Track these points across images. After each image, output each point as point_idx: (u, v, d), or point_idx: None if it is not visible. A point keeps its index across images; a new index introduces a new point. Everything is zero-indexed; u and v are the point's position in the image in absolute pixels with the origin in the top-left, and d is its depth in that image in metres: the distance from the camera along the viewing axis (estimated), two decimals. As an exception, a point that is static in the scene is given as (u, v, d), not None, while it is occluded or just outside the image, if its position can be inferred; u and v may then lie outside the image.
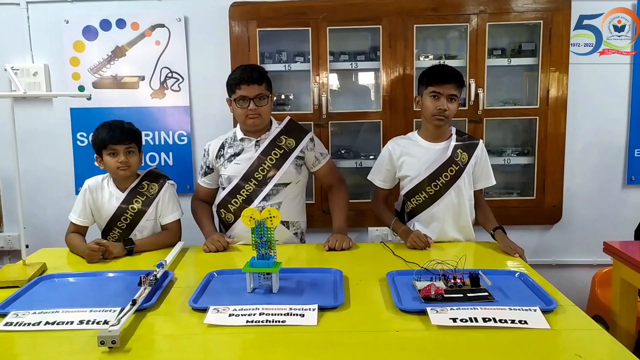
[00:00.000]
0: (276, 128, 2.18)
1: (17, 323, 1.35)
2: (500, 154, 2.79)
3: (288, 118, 2.24)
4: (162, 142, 2.82)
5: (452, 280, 1.51)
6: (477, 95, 2.65)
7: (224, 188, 2.19)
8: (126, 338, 1.27)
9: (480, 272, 1.55)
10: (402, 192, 2.18)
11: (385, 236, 2.68)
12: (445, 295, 1.44)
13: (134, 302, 1.37)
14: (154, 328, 1.35)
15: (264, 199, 2.13)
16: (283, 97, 2.80)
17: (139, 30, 2.73)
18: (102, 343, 1.19)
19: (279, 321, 1.33)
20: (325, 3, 2.64)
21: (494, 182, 2.18)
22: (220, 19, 2.67)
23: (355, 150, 2.88)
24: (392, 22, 2.65)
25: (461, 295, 1.46)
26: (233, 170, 2.15)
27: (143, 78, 2.77)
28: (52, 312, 1.40)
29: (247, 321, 1.33)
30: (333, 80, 2.84)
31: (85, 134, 2.79)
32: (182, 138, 2.82)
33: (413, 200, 2.14)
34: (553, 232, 2.86)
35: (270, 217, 1.52)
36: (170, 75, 2.76)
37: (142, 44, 2.74)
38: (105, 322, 1.32)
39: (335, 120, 2.75)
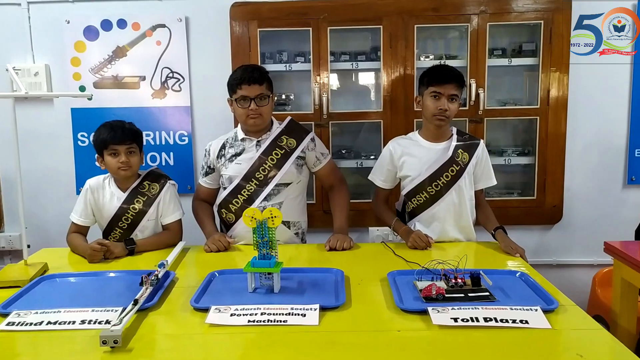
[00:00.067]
0: (277, 128, 2.18)
1: (19, 323, 1.35)
2: (500, 154, 2.79)
3: (289, 118, 2.24)
4: (163, 142, 2.82)
5: (453, 280, 1.52)
6: (477, 95, 2.66)
7: (225, 188, 2.19)
8: (128, 338, 1.27)
9: (481, 272, 1.55)
10: (403, 192, 2.19)
11: (385, 236, 2.68)
12: (446, 295, 1.44)
13: (135, 302, 1.38)
14: (155, 328, 1.36)
15: (265, 199, 2.13)
16: (284, 97, 2.80)
17: (139, 31, 2.73)
18: (104, 343, 1.20)
19: (280, 321, 1.33)
20: (326, 3, 2.64)
21: (494, 182, 2.19)
22: (221, 19, 2.68)
23: (355, 150, 2.89)
24: (393, 22, 2.65)
25: (462, 295, 1.46)
26: (234, 170, 2.15)
27: (144, 78, 2.77)
28: (54, 312, 1.40)
29: (249, 321, 1.33)
30: (334, 81, 2.85)
31: (86, 134, 2.79)
32: (183, 138, 2.82)
33: (414, 200, 2.15)
34: (553, 232, 2.86)
35: (272, 217, 1.52)
36: (171, 75, 2.76)
37: (143, 44, 2.75)
38: (107, 322, 1.32)
39: (335, 120, 2.75)
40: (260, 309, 1.39)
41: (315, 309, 1.38)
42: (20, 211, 1.85)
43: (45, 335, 1.31)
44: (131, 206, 2.09)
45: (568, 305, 1.42)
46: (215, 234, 2.13)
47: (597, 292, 2.48)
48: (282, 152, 2.15)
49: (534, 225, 2.84)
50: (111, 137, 2.04)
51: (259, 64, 2.63)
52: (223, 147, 2.21)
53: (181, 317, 1.41)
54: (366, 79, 2.94)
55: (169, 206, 2.14)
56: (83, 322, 1.35)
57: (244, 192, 2.14)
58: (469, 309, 1.35)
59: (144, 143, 2.22)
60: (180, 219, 2.18)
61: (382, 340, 1.26)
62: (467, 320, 1.29)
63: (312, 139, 2.21)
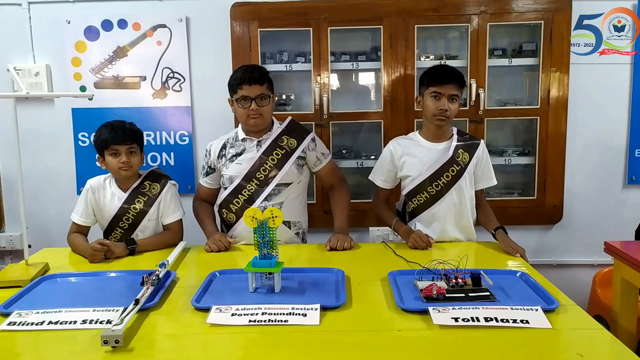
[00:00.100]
0: (278, 128, 2.19)
1: (20, 323, 1.35)
2: (501, 154, 2.79)
3: (290, 118, 2.24)
4: (164, 142, 2.82)
5: (454, 280, 1.52)
6: (478, 95, 2.66)
7: (225, 188, 2.20)
8: (129, 337, 1.27)
9: (481, 271, 1.55)
10: (404, 192, 2.19)
11: (386, 236, 2.69)
12: (446, 295, 1.45)
13: (136, 302, 1.38)
14: (156, 327, 1.36)
15: (266, 199, 2.13)
16: (284, 97, 2.80)
17: (140, 31, 2.74)
18: (105, 342, 1.20)
19: (281, 321, 1.33)
20: (326, 3, 2.65)
21: (495, 182, 2.19)
22: (222, 19, 2.68)
23: (356, 151, 2.89)
24: (393, 23, 2.65)
25: (463, 295, 1.46)
26: (235, 170, 2.16)
27: (144, 78, 2.77)
28: (55, 312, 1.41)
29: (250, 321, 1.33)
30: (334, 81, 2.85)
31: (86, 134, 2.79)
32: (184, 138, 2.82)
33: (414, 200, 2.15)
34: (554, 232, 2.87)
35: (273, 217, 1.53)
36: (171, 75, 2.77)
37: (143, 44, 2.75)
38: (108, 322, 1.32)
39: (336, 120, 2.75)
40: (261, 308, 1.39)
41: (316, 309, 1.38)
42: (21, 211, 1.85)
43: (46, 335, 1.31)
44: (132, 206, 2.09)
45: (568, 305, 1.42)
46: (216, 234, 2.13)
47: (597, 292, 2.48)
48: (282, 152, 2.15)
49: (534, 225, 2.85)
50: (112, 137, 2.04)
51: (260, 64, 2.63)
52: (224, 147, 2.22)
53: (182, 317, 1.42)
54: (366, 79, 2.95)
55: (169, 206, 2.14)
56: (84, 322, 1.35)
57: (245, 192, 2.15)
58: (469, 308, 1.35)
59: (145, 143, 2.23)
60: (181, 219, 2.18)
61: (383, 340, 1.26)
62: (468, 320, 1.30)
63: (313, 139, 2.22)
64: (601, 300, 2.41)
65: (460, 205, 2.12)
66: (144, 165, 2.18)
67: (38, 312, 1.41)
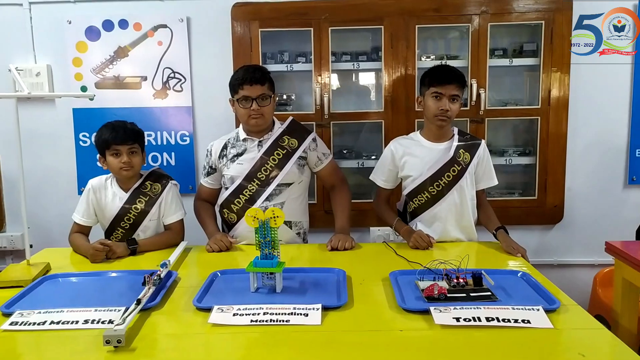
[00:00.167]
0: (279, 128, 2.19)
1: (22, 322, 1.36)
2: (501, 154, 2.80)
3: (291, 118, 2.24)
4: (165, 143, 2.82)
5: (455, 280, 1.52)
6: (478, 95, 2.66)
7: (226, 188, 2.20)
8: (131, 337, 1.27)
9: (483, 271, 1.55)
10: (405, 192, 2.19)
11: (387, 236, 2.69)
12: (448, 295, 1.45)
13: (138, 302, 1.38)
14: (158, 327, 1.36)
15: (267, 199, 2.13)
16: (285, 97, 2.80)
17: (141, 31, 2.74)
18: (107, 342, 1.20)
19: (283, 320, 1.33)
20: (327, 4, 2.65)
21: (496, 182, 2.19)
22: (223, 19, 2.68)
23: (357, 151, 2.89)
24: (394, 23, 2.65)
25: (464, 294, 1.47)
26: (236, 171, 2.16)
27: (145, 78, 2.77)
28: (57, 312, 1.41)
29: (252, 320, 1.34)
30: (335, 81, 2.85)
31: (87, 134, 2.80)
32: (185, 138, 2.82)
33: (415, 200, 2.15)
34: (554, 232, 2.87)
35: (274, 217, 1.53)
36: (172, 75, 2.77)
37: (144, 44, 2.75)
38: (110, 322, 1.32)
39: (337, 120, 2.75)
40: (262, 308, 1.39)
41: (317, 309, 1.38)
42: (22, 211, 1.85)
43: (48, 335, 1.31)
44: (133, 206, 2.10)
45: (570, 305, 1.42)
46: (217, 234, 2.14)
47: (598, 292, 2.48)
48: (283, 152, 2.15)
49: (535, 225, 2.85)
50: (113, 138, 2.04)
51: (261, 64, 2.63)
52: (225, 147, 2.22)
53: (184, 317, 1.42)
54: (367, 79, 2.95)
55: (170, 206, 2.15)
56: (86, 321, 1.35)
57: (246, 192, 2.15)
58: (471, 308, 1.36)
59: (146, 143, 2.23)
60: (182, 219, 2.18)
61: (385, 339, 1.26)
62: (470, 320, 1.30)
63: (314, 139, 2.22)
64: (602, 300, 2.41)
65: (461, 205, 2.12)
66: (145, 165, 2.18)
67: (40, 312, 1.41)
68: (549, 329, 1.27)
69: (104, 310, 1.40)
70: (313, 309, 1.39)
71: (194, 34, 2.75)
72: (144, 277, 1.54)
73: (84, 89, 2.76)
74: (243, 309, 1.39)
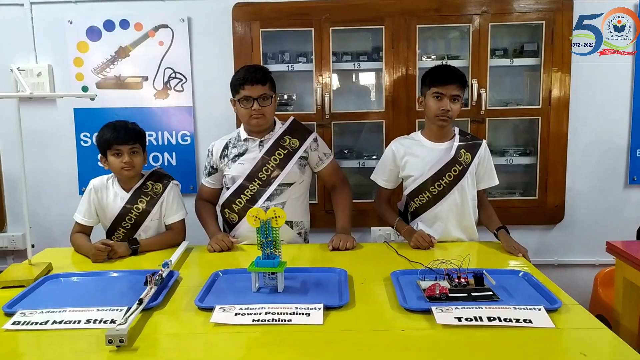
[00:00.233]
0: (280, 128, 2.19)
1: (25, 322, 1.36)
2: (502, 154, 2.80)
3: (292, 118, 2.25)
4: (166, 143, 2.82)
5: (457, 280, 1.52)
6: (479, 95, 2.66)
7: (228, 188, 2.20)
8: (133, 337, 1.27)
9: (484, 271, 1.56)
10: (406, 192, 2.19)
11: (388, 236, 2.69)
12: (449, 295, 1.45)
13: (140, 301, 1.38)
14: (160, 327, 1.36)
15: (268, 199, 2.13)
16: (286, 97, 2.81)
17: (142, 31, 2.74)
18: (110, 342, 1.20)
19: (285, 320, 1.34)
20: (328, 4, 2.65)
21: (497, 182, 2.19)
22: (224, 19, 2.68)
23: (357, 151, 2.89)
24: (395, 23, 2.65)
25: (466, 294, 1.47)
26: (237, 171, 2.16)
27: (146, 78, 2.77)
28: (59, 312, 1.41)
29: (253, 320, 1.34)
30: (336, 81, 2.85)
31: (88, 134, 2.80)
32: (186, 138, 2.83)
33: (416, 200, 2.15)
34: (555, 232, 2.87)
35: (276, 217, 1.53)
36: (173, 75, 2.77)
37: (145, 44, 2.75)
38: (112, 321, 1.33)
39: (338, 120, 2.75)
40: (264, 308, 1.40)
41: (319, 309, 1.38)
42: (24, 211, 1.85)
43: (50, 334, 1.32)
44: (135, 206, 2.10)
45: (571, 305, 1.42)
46: (218, 233, 2.14)
47: (598, 292, 2.48)
48: (285, 152, 2.15)
49: (536, 225, 2.85)
50: (114, 138, 2.04)
51: (262, 64, 2.64)
52: (226, 147, 2.22)
53: (186, 317, 1.42)
54: (368, 79, 2.95)
55: (172, 206, 2.15)
56: (88, 321, 1.35)
57: (247, 192, 2.15)
58: (472, 308, 1.36)
59: (147, 143, 2.23)
60: (184, 219, 2.19)
61: (386, 339, 1.26)
62: (471, 320, 1.30)
63: (315, 139, 2.22)
64: (603, 300, 2.41)
65: (462, 205, 2.13)
66: (146, 165, 2.18)
67: (42, 312, 1.41)
68: (550, 329, 1.27)
69: (106, 310, 1.41)
70: (315, 308, 1.39)
71: (195, 34, 2.75)
72: (146, 277, 1.54)
73: (85, 89, 2.76)
74: (245, 309, 1.39)
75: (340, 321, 1.36)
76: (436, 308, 1.35)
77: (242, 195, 2.16)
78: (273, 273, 1.56)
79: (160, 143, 2.82)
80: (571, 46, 2.68)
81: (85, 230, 2.13)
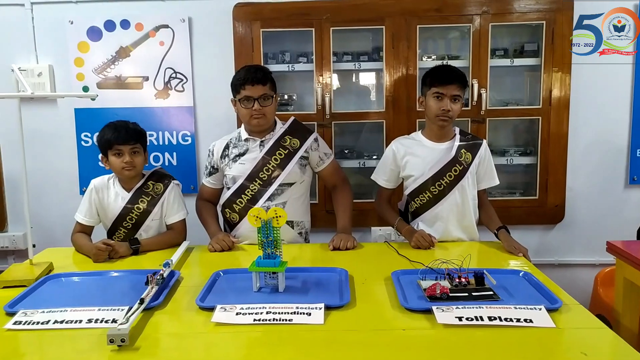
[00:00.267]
0: (280, 128, 2.19)
1: (26, 322, 1.36)
2: (503, 154, 2.80)
3: (292, 118, 2.25)
4: (166, 143, 2.83)
5: (457, 280, 1.52)
6: (479, 95, 2.66)
7: (228, 188, 2.20)
8: (134, 336, 1.28)
9: (485, 271, 1.56)
10: (406, 192, 2.19)
11: (388, 236, 2.69)
12: (450, 294, 1.45)
13: (141, 301, 1.38)
14: (161, 327, 1.36)
15: (269, 198, 2.14)
16: (286, 97, 2.81)
17: (143, 31, 2.74)
18: (111, 341, 1.21)
19: (286, 320, 1.34)
20: (329, 4, 2.65)
21: (497, 182, 2.20)
22: (224, 19, 2.68)
23: (358, 150, 2.89)
24: (395, 23, 2.65)
25: (466, 294, 1.47)
26: (238, 171, 2.16)
27: (147, 78, 2.78)
28: (60, 311, 1.41)
29: (255, 320, 1.34)
30: (336, 81, 2.85)
31: (89, 134, 2.80)
32: (186, 138, 2.83)
33: (417, 200, 2.15)
34: (555, 232, 2.87)
35: (277, 217, 1.53)
36: (174, 75, 2.77)
37: (146, 44, 2.75)
38: (114, 321, 1.33)
39: (338, 120, 2.75)
40: (265, 308, 1.40)
41: (320, 308, 1.39)
42: (25, 211, 1.85)
43: (52, 334, 1.32)
44: (135, 206, 2.10)
45: (572, 304, 1.43)
46: (219, 233, 2.14)
47: (599, 292, 2.48)
48: (285, 152, 2.15)
49: (536, 225, 2.85)
50: (115, 138, 2.04)
51: (262, 64, 2.64)
52: (227, 147, 2.22)
53: (187, 316, 1.42)
54: (368, 79, 2.95)
55: (173, 206, 2.15)
56: (89, 321, 1.35)
57: (248, 192, 2.15)
58: (473, 308, 1.36)
59: (148, 143, 2.23)
60: (185, 219, 2.19)
61: (387, 339, 1.27)
62: (472, 319, 1.30)
63: (316, 139, 2.22)
64: (603, 299, 2.41)
65: (462, 205, 2.13)
66: (147, 165, 2.19)
67: (43, 312, 1.41)
68: (551, 328, 1.28)
69: (107, 310, 1.41)
70: (316, 308, 1.39)
71: (195, 34, 2.75)
72: (147, 276, 1.54)
73: (85, 89, 2.77)
74: (246, 308, 1.40)
75: (341, 321, 1.36)
76: (437, 308, 1.35)
77: (242, 195, 2.16)
78: (274, 273, 1.56)
79: (160, 143, 2.82)
80: (571, 46, 2.68)
81: (86, 230, 2.14)
